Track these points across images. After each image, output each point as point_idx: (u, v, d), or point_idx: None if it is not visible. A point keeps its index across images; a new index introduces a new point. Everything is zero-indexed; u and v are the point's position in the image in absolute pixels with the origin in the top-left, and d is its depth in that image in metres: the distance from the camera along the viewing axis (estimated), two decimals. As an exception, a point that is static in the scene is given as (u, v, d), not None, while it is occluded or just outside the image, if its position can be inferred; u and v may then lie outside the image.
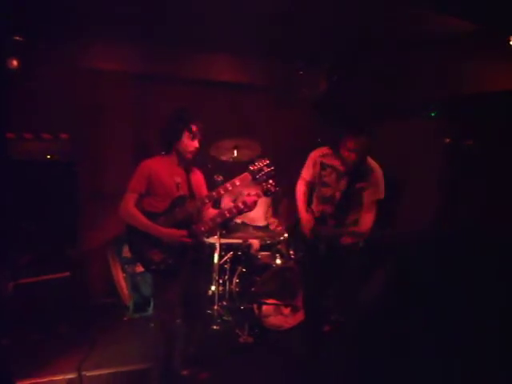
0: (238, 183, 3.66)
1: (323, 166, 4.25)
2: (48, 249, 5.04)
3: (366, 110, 5.97)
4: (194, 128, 3.69)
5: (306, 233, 4.26)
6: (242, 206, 3.66)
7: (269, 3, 4.35)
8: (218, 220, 3.73)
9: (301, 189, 4.40)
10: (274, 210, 6.02)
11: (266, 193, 3.73)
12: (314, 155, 4.34)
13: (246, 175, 3.67)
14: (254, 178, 3.67)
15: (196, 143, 3.73)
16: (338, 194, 4.15)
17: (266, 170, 3.68)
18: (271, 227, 5.86)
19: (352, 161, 4.05)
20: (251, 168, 3.67)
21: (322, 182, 4.24)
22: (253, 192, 3.75)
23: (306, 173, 4.38)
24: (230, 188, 3.66)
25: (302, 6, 4.54)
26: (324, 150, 4.30)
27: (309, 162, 4.37)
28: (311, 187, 4.38)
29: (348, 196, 4.07)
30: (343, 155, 4.10)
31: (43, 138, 5.18)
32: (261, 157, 3.76)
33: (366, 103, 6.13)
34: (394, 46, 5.50)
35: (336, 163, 4.19)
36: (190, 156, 3.76)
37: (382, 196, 4.10)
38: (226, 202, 5.25)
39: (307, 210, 4.33)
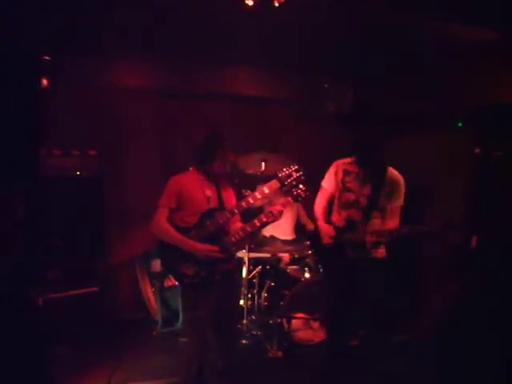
0: (266, 191, 3.63)
1: (346, 172, 4.21)
2: (76, 264, 5.08)
3: (391, 122, 5.96)
4: (227, 152, 3.73)
5: (325, 241, 4.21)
6: (266, 218, 3.65)
7: (293, 16, 4.35)
8: (248, 229, 3.69)
9: (321, 203, 4.35)
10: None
11: (296, 199, 3.68)
12: (337, 163, 4.31)
13: (275, 182, 3.65)
14: (282, 185, 3.65)
15: (227, 167, 3.78)
16: (362, 200, 4.10)
17: (296, 175, 3.65)
18: (308, 228, 5.89)
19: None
20: (279, 174, 3.65)
21: (346, 188, 4.18)
22: (281, 199, 3.73)
23: (328, 183, 4.34)
24: (259, 196, 3.64)
25: (328, 19, 4.54)
26: (347, 159, 4.28)
27: (331, 170, 4.31)
28: (331, 200, 4.34)
29: (374, 201, 4.03)
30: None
31: (72, 155, 5.26)
32: (290, 163, 3.73)
33: (391, 115, 6.10)
34: (420, 57, 5.46)
35: (357, 170, 4.18)
36: (219, 175, 3.79)
37: (402, 203, 4.07)
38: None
39: (326, 221, 4.30)
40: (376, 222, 4.01)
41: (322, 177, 4.41)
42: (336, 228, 4.17)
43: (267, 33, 4.81)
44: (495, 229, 5.25)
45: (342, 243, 4.10)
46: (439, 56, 5.41)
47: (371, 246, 4.01)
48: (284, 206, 3.69)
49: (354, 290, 4.15)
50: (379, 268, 4.12)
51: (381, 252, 4.12)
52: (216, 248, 3.58)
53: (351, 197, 4.14)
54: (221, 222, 3.64)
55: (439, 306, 5.34)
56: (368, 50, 5.37)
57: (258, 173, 5.25)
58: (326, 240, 4.19)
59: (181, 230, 3.62)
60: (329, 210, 4.37)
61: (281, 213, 3.66)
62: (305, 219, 5.99)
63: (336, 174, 4.28)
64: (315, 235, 5.02)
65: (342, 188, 4.22)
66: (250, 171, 5.31)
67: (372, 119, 5.93)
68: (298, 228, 6.03)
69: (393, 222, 4.04)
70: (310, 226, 5.85)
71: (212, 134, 3.77)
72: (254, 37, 4.89)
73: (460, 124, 5.81)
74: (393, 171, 4.12)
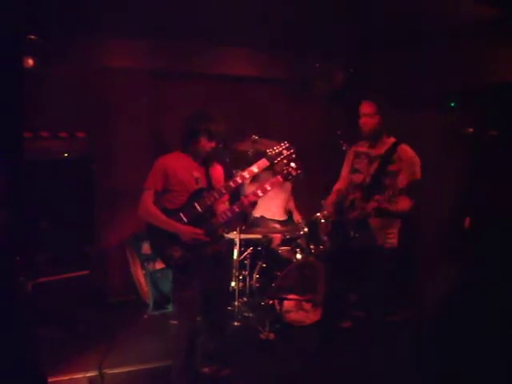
0: (255, 170, 3.59)
1: (357, 154, 4.16)
2: (67, 247, 5.03)
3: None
4: (212, 130, 3.63)
5: (327, 210, 4.23)
6: (254, 198, 3.60)
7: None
8: (237, 209, 3.63)
9: (338, 187, 4.31)
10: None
11: (286, 177, 3.63)
12: (351, 150, 4.27)
13: (263, 161, 3.60)
14: (272, 164, 3.59)
15: (213, 144, 3.68)
16: (368, 179, 4.00)
17: (286, 153, 3.60)
18: (295, 219, 5.81)
19: (370, 128, 3.98)
20: (269, 153, 3.59)
21: (354, 169, 4.13)
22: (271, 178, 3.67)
23: (344, 169, 4.31)
24: (248, 176, 3.60)
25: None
26: (359, 143, 4.23)
27: (347, 157, 4.29)
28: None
29: (378, 179, 3.92)
30: (361, 123, 4.02)
31: (60, 137, 5.19)
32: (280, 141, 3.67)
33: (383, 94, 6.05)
34: (413, 35, 5.39)
35: (366, 149, 4.09)
36: (205, 155, 3.72)
37: (418, 176, 3.92)
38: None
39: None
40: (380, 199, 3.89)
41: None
42: (340, 210, 4.12)
43: (256, 11, 4.72)
44: (490, 210, 5.22)
45: (343, 224, 4.07)
46: (434, 33, 5.32)
47: (371, 212, 3.87)
48: (273, 185, 3.64)
49: (355, 274, 4.13)
50: (386, 258, 4.07)
51: (391, 242, 4.07)
52: (200, 231, 3.53)
53: (358, 178, 4.06)
54: (209, 202, 3.59)
55: (435, 289, 5.33)
56: (361, 29, 5.28)
57: (250, 152, 5.17)
58: (328, 209, 4.21)
59: (169, 211, 3.57)
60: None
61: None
62: (293, 208, 5.95)
63: (348, 158, 4.27)
64: (314, 224, 5.02)
65: (351, 170, 4.18)
66: (241, 151, 5.23)
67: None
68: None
69: (403, 203, 3.90)
70: (297, 217, 5.81)
71: (195, 112, 3.74)
72: (244, 16, 4.80)
73: (453, 104, 5.75)
74: (404, 148, 3.98)
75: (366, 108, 3.99)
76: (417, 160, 3.94)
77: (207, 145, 3.66)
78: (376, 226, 3.97)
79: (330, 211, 4.22)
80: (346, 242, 4.04)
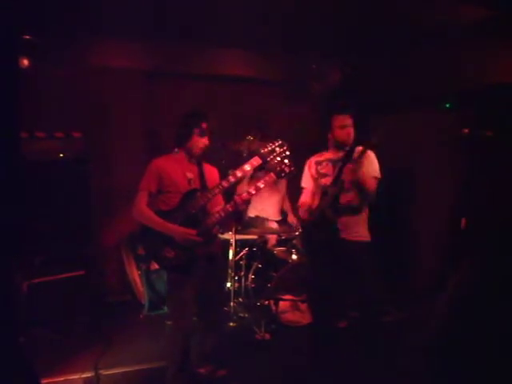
0: (248, 168, 3.58)
1: (318, 163, 4.23)
2: (62, 248, 5.02)
3: (379, 103, 5.94)
4: (203, 125, 3.66)
5: (302, 215, 4.24)
6: (248, 196, 3.61)
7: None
8: (230, 209, 3.62)
9: (304, 200, 4.34)
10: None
11: (279, 174, 3.61)
12: (309, 159, 4.33)
13: (256, 159, 3.58)
14: (264, 161, 3.58)
15: (205, 140, 3.69)
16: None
17: (279, 150, 3.57)
18: (289, 220, 5.81)
19: (348, 138, 4.04)
20: (262, 151, 3.57)
21: (321, 174, 4.17)
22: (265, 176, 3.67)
23: (305, 181, 4.34)
24: (240, 175, 3.58)
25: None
26: (317, 154, 4.30)
27: (305, 168, 4.34)
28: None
29: (343, 169, 3.97)
30: (336, 135, 4.08)
31: (56, 137, 5.17)
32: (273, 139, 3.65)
33: (378, 95, 6.06)
34: (410, 35, 5.39)
35: (329, 155, 4.16)
36: (199, 152, 3.72)
37: (378, 175, 4.03)
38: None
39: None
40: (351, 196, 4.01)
41: (308, 158, 4.38)
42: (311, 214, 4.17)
43: (253, 12, 4.73)
44: (488, 210, 5.23)
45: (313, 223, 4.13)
46: (434, 33, 5.33)
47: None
48: (266, 183, 3.64)
49: (337, 271, 4.14)
50: (362, 250, 4.10)
51: (362, 236, 4.11)
52: (193, 231, 3.53)
53: (327, 181, 4.10)
54: (202, 203, 3.59)
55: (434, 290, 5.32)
56: (358, 30, 5.29)
57: (245, 154, 5.17)
58: (303, 215, 4.22)
59: (163, 213, 3.57)
60: None
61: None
62: (288, 209, 5.94)
63: (309, 168, 4.30)
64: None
65: (317, 176, 4.21)
66: (237, 153, 5.22)
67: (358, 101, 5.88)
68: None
69: (370, 183, 4.01)
70: (292, 219, 5.82)
71: (190, 111, 3.76)
72: (241, 17, 4.81)
73: (448, 105, 5.76)
74: (369, 153, 4.03)
75: (338, 121, 4.07)
76: (373, 156, 4.07)
77: (199, 141, 3.67)
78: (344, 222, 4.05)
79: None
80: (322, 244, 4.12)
